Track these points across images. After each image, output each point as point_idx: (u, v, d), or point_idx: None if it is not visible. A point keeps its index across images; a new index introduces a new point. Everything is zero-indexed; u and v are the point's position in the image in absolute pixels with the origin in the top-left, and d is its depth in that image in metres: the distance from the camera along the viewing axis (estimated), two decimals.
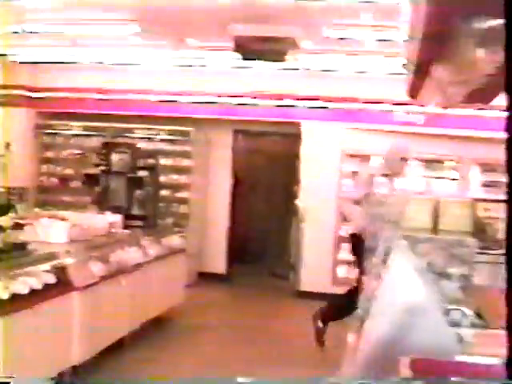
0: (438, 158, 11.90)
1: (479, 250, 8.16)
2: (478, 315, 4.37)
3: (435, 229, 5.44)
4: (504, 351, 3.58)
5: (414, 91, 4.30)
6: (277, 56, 9.47)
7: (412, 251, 5.03)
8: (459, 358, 2.93)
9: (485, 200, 11.56)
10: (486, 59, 2.08)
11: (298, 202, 12.43)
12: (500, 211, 11.58)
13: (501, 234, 9.28)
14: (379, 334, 2.81)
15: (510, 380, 1.91)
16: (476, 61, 2.15)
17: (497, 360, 3.17)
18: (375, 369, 2.65)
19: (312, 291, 11.78)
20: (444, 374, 2.29)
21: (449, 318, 3.58)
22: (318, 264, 12.07)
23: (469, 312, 3.96)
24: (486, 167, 11.92)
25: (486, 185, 11.97)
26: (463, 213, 5.72)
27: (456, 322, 3.70)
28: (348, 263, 11.87)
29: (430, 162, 11.89)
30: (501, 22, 1.66)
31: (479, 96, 3.27)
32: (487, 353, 3.29)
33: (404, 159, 9.93)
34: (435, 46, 2.42)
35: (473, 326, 3.93)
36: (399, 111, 11.81)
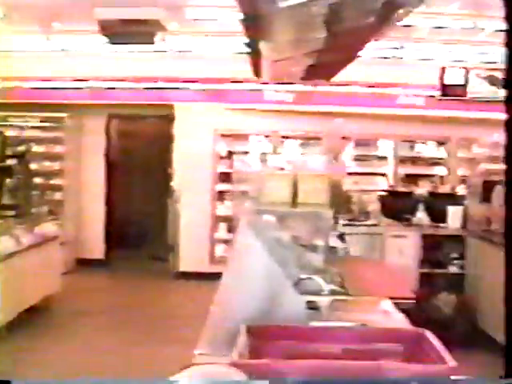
0: (308, 135, 12.13)
1: (346, 222, 8.49)
2: (340, 284, 4.57)
3: (295, 203, 5.62)
4: (361, 316, 3.78)
5: (256, 70, 4.43)
6: (144, 38, 9.45)
7: (277, 225, 5.19)
8: (312, 324, 3.07)
9: (355, 173, 11.99)
10: (306, 37, 2.19)
11: (172, 183, 12.49)
12: (369, 184, 12.00)
13: (370, 207, 9.63)
14: (230, 307, 2.91)
15: (510, 380, 2.00)
16: (297, 39, 2.26)
17: (351, 324, 3.33)
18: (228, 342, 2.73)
19: (191, 271, 11.91)
20: (283, 339, 2.41)
21: (302, 287, 3.73)
22: (196, 244, 12.20)
23: (324, 281, 4.14)
24: (359, 142, 12.28)
25: (357, 159, 12.34)
26: (325, 187, 5.91)
27: (311, 290, 3.86)
28: (225, 242, 12.05)
29: (302, 139, 12.15)
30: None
31: (318, 72, 3.42)
32: (344, 318, 3.47)
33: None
34: (256, 26, 2.52)
35: (332, 293, 4.11)
36: (269, 90, 11.98)
